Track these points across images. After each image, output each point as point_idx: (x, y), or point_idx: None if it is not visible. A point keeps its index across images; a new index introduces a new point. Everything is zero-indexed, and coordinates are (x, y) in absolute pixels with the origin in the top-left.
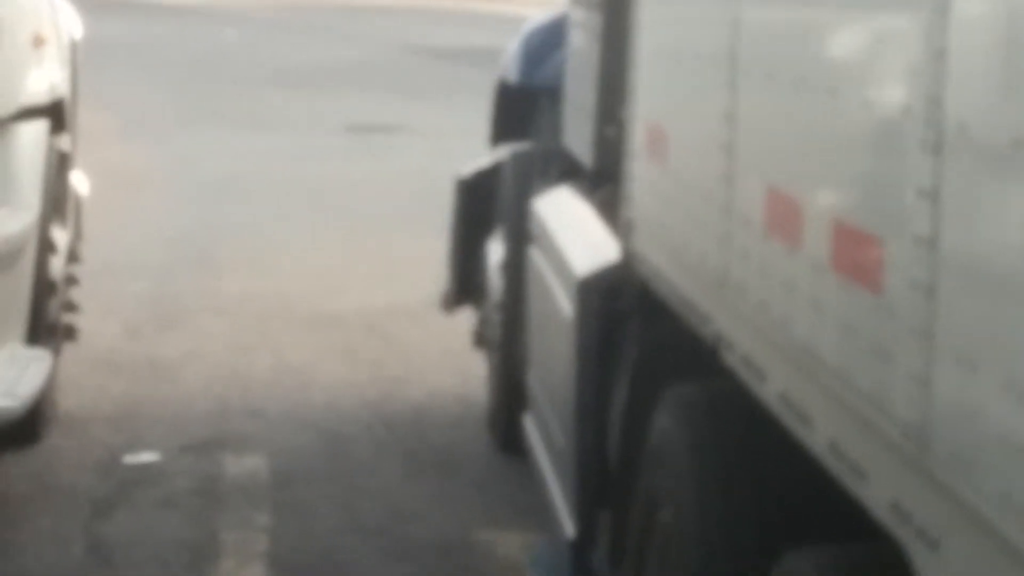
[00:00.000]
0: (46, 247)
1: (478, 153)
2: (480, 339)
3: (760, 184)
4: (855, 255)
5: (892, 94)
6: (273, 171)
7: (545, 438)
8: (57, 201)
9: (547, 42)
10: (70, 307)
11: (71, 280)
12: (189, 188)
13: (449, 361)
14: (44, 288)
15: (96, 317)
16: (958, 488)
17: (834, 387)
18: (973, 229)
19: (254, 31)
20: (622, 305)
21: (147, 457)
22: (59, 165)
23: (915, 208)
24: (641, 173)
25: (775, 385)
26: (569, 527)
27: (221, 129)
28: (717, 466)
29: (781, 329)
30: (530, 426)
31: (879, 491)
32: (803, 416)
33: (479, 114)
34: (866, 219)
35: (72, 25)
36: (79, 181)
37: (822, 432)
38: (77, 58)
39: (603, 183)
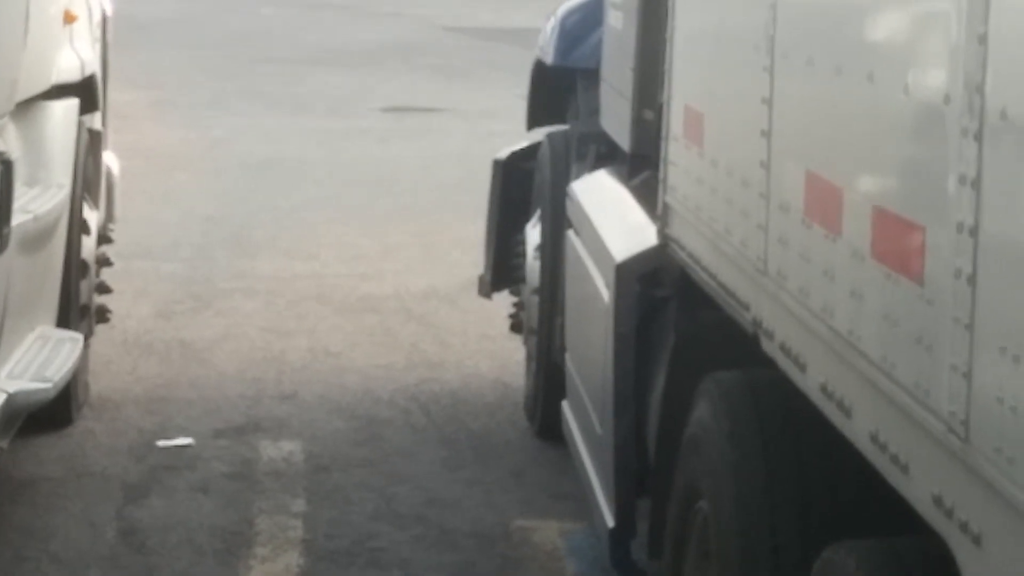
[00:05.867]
0: (78, 227)
1: (518, 135)
2: (517, 324)
3: (799, 170)
4: (895, 243)
5: (932, 80)
6: (309, 152)
7: (583, 425)
8: (88, 181)
9: (584, 22)
10: (102, 288)
11: (103, 261)
12: (224, 168)
13: (486, 346)
14: (76, 269)
15: (129, 299)
16: (1001, 482)
17: (875, 377)
18: (1016, 217)
19: (291, 9)
20: (660, 291)
21: (181, 441)
22: (90, 144)
23: (956, 195)
24: (679, 157)
25: (815, 374)
26: (608, 516)
27: (257, 108)
28: (756, 456)
29: (821, 317)
30: (568, 413)
31: (921, 484)
32: (843, 406)
33: (519, 95)
34: (906, 206)
35: (103, 1)
36: (111, 161)
37: (862, 423)
38: (108, 35)
39: (641, 167)
